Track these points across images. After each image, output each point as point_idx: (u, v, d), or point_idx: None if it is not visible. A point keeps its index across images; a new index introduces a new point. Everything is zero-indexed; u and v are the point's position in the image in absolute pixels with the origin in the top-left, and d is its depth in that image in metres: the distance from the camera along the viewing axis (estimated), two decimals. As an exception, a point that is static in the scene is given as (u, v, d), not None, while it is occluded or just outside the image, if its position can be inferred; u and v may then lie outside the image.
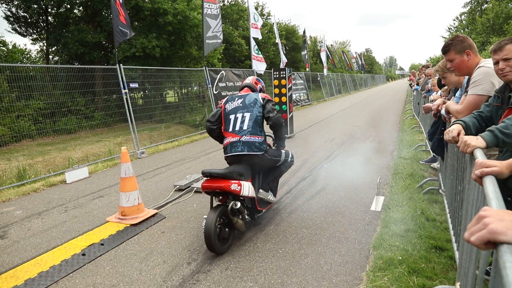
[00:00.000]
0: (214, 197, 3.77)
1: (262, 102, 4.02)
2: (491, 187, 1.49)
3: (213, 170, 3.56)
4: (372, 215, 4.38)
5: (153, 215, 4.60)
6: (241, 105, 4.02)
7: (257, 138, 3.89)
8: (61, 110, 8.41)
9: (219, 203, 3.71)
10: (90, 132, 10.29)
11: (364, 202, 4.82)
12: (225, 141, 4.01)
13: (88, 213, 4.93)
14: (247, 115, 3.94)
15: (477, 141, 2.10)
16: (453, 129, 2.43)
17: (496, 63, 2.44)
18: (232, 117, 3.99)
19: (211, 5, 12.48)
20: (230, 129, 3.96)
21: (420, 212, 4.27)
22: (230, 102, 4.10)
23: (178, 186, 5.72)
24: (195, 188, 5.55)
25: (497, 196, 1.37)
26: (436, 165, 5.94)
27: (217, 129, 4.13)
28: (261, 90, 4.45)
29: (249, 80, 4.44)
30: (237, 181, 3.60)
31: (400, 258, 3.25)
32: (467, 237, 0.99)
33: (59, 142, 9.37)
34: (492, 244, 0.95)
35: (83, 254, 3.68)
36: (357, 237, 3.81)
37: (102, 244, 3.89)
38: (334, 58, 39.50)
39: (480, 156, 2.00)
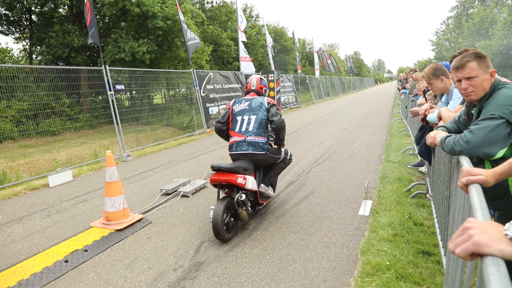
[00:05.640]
0: (220, 190, 4.10)
1: (267, 106, 4.36)
2: (476, 196, 1.49)
3: (221, 164, 3.91)
4: (360, 220, 4.37)
5: (139, 220, 4.52)
6: (247, 108, 4.37)
7: (261, 139, 4.24)
8: (45, 111, 8.23)
9: (225, 195, 4.05)
10: (75, 134, 10.11)
11: (352, 207, 4.82)
12: (231, 140, 4.36)
13: (72, 218, 4.81)
14: (253, 117, 4.30)
15: (436, 134, 2.50)
16: (433, 133, 2.60)
17: (458, 80, 2.30)
18: (239, 118, 4.36)
19: (180, 12, 13.23)
20: (237, 129, 4.33)
21: (408, 216, 4.27)
22: (237, 104, 4.46)
23: (164, 190, 5.64)
24: (182, 193, 5.48)
25: (482, 206, 1.38)
26: (423, 169, 5.99)
27: (226, 129, 4.47)
28: (265, 91, 4.78)
29: (254, 84, 4.67)
30: (242, 175, 3.96)
31: (388, 263, 3.24)
32: (452, 249, 1.00)
33: (42, 144, 9.17)
34: (477, 255, 0.95)
35: (66, 261, 3.59)
36: (345, 242, 3.79)
37: (85, 251, 3.80)
38: (323, 61, 39.68)
39: (466, 163, 2.00)
